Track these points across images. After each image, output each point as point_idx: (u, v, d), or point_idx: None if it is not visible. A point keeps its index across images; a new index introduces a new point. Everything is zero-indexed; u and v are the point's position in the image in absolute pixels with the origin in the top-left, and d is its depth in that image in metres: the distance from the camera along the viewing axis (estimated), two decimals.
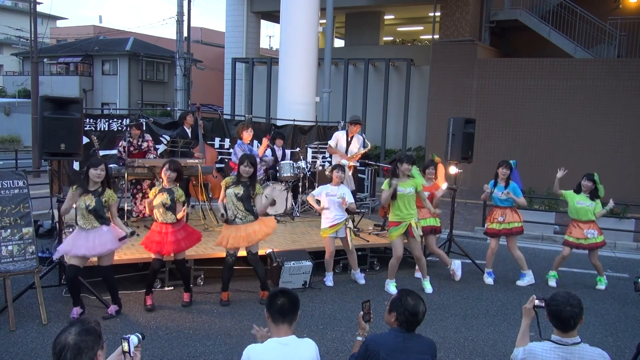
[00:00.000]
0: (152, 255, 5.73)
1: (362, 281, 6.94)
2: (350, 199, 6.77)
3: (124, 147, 7.99)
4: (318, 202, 6.88)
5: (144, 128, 8.64)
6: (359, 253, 7.31)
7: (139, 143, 8.10)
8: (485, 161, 13.92)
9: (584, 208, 6.97)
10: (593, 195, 6.98)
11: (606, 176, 13.93)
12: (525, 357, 3.03)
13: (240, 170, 5.87)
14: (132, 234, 5.51)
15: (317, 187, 7.49)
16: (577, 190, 7.06)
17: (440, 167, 7.49)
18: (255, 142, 10.14)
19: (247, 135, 7.65)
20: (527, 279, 7.20)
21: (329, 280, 6.85)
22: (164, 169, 5.68)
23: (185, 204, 5.91)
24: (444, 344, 5.14)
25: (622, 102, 14.56)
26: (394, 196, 6.33)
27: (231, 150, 9.16)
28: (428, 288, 6.72)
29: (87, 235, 5.19)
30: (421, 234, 6.55)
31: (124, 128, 8.68)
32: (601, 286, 7.21)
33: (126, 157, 7.86)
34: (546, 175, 13.45)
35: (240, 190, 5.83)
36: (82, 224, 5.21)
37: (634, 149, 14.49)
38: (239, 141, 7.68)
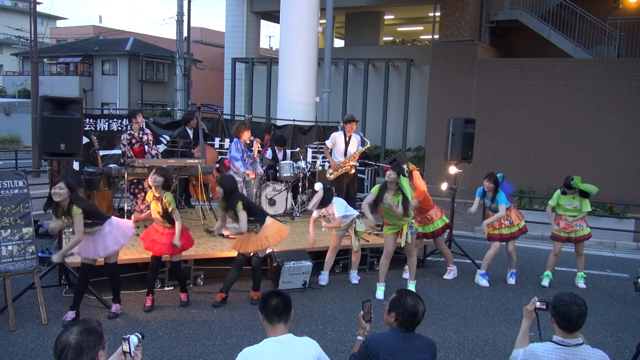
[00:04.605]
0: (151, 254, 5.73)
1: (355, 281, 6.95)
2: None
3: (127, 140, 8.00)
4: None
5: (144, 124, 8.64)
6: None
7: (140, 136, 8.12)
8: (485, 161, 13.93)
9: (571, 209, 7.05)
10: (581, 195, 6.98)
11: (606, 176, 14.12)
12: (527, 358, 3.02)
13: None
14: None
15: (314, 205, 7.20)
16: (564, 192, 7.06)
17: (415, 173, 7.15)
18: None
19: (247, 135, 7.63)
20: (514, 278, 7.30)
21: (322, 279, 6.85)
22: (151, 174, 5.59)
23: (177, 218, 5.58)
24: (444, 344, 5.14)
25: (622, 102, 14.54)
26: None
27: None
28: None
29: (91, 238, 5.18)
30: (410, 241, 6.32)
31: (124, 128, 8.68)
32: (581, 284, 7.22)
33: (130, 152, 7.85)
34: (546, 175, 13.48)
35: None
36: (88, 231, 5.16)
37: (634, 149, 14.47)
38: (235, 139, 7.63)
